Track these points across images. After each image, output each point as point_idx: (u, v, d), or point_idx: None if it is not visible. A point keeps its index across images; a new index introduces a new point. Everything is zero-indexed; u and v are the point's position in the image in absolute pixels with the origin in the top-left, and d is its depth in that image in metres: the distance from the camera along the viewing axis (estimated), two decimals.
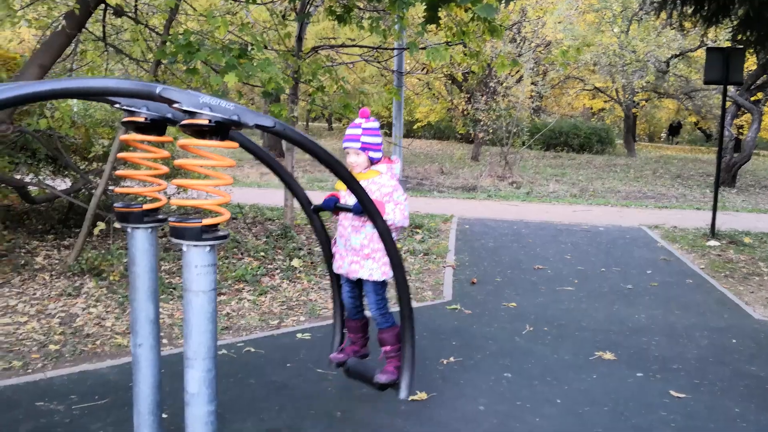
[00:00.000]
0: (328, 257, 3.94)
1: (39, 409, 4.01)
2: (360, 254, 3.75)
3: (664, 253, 9.18)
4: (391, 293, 4.06)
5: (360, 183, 3.32)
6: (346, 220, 3.83)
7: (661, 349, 5.36)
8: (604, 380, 4.68)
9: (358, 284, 3.95)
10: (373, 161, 3.78)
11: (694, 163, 26.26)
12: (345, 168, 3.13)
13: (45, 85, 2.20)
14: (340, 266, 3.88)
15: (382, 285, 3.83)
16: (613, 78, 25.92)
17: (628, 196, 16.09)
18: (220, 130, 2.45)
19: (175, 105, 2.35)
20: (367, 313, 4.14)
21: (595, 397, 4.38)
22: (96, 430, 3.75)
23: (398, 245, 4.03)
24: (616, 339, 5.58)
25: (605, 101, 32.34)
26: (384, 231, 3.26)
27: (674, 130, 43.37)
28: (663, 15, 15.90)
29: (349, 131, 3.80)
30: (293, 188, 3.69)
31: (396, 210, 3.65)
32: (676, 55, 24.40)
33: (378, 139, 3.78)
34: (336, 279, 4.01)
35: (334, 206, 3.70)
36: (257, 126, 2.55)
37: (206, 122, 2.39)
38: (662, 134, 45.09)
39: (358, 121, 3.81)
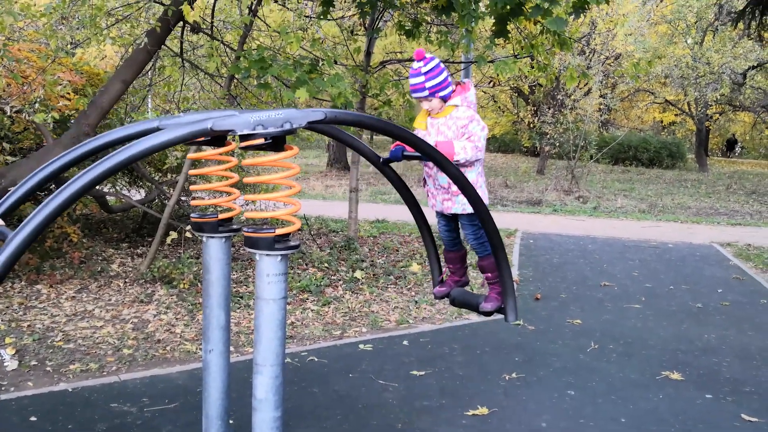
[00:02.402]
0: (410, 201, 3.89)
1: (113, 410, 4.19)
2: (450, 191, 3.74)
3: (737, 272, 8.88)
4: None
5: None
6: None
7: (732, 371, 5.20)
8: (671, 400, 4.57)
9: (453, 218, 3.95)
10: (446, 99, 3.72)
11: None
12: (400, 128, 3.14)
13: (109, 161, 2.31)
14: (433, 204, 3.90)
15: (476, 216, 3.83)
16: (685, 91, 25.22)
17: (699, 213, 15.61)
18: (278, 140, 2.53)
19: (230, 134, 2.46)
20: (464, 244, 4.13)
21: (661, 417, 4.29)
22: None
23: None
24: (684, 359, 5.44)
25: (676, 114, 31.50)
26: (456, 175, 3.23)
27: (730, 145, 42.08)
28: (740, 25, 15.43)
29: (412, 81, 3.71)
30: (362, 150, 3.71)
31: (467, 146, 3.60)
32: (754, 67, 23.59)
33: (442, 77, 3.68)
34: (421, 218, 3.97)
35: (402, 155, 3.68)
36: (309, 125, 2.60)
37: (263, 141, 2.48)
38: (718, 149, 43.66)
39: (416, 65, 3.68)
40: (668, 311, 6.89)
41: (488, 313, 3.80)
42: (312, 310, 6.54)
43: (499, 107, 26.37)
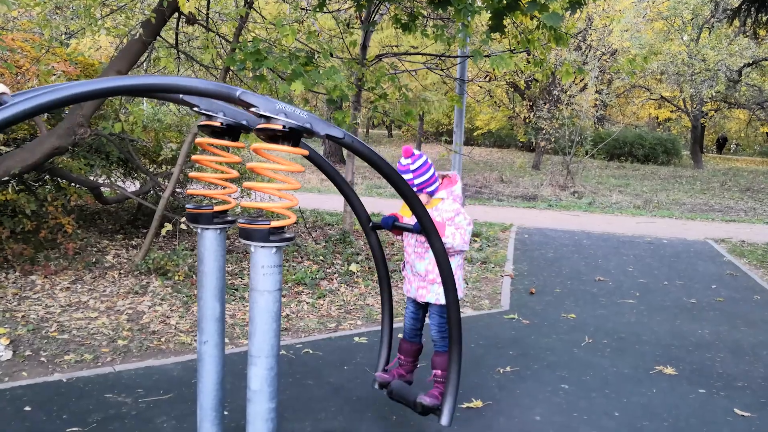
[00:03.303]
0: (383, 277, 3.94)
1: (108, 400, 4.18)
2: (426, 279, 3.81)
3: (731, 268, 8.91)
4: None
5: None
6: (409, 246, 3.88)
7: (725, 366, 5.22)
8: (665, 395, 4.59)
9: (423, 308, 3.99)
10: (432, 193, 3.81)
11: (766, 175, 25.32)
12: (408, 185, 3.12)
13: (135, 80, 2.29)
14: (408, 290, 3.96)
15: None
16: (680, 87, 25.26)
17: (694, 209, 15.66)
18: (293, 136, 2.53)
19: (253, 109, 2.44)
20: (424, 339, 4.14)
21: (654, 411, 4.31)
22: (161, 423, 3.89)
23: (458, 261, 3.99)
24: (678, 354, 5.46)
25: (672, 111, 31.54)
26: (440, 252, 3.24)
27: (720, 144, 42.26)
28: (736, 23, 15.44)
29: None
30: (353, 203, 3.72)
31: (456, 234, 3.65)
32: (749, 64, 23.64)
33: (429, 173, 3.76)
34: (388, 300, 4.00)
35: (392, 224, 3.72)
36: (328, 136, 2.61)
37: (280, 127, 2.47)
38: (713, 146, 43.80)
39: (404, 162, 3.75)
40: (662, 306, 6.92)
41: (425, 408, 3.69)
42: (307, 303, 6.54)
43: (495, 102, 26.35)
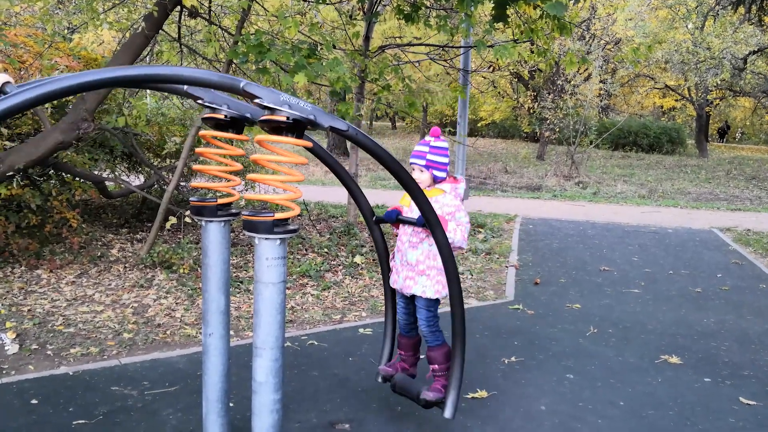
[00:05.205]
0: (386, 271, 3.94)
1: (114, 393, 4.20)
2: (415, 270, 3.75)
3: (737, 257, 8.89)
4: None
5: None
6: (404, 235, 3.83)
7: (731, 355, 5.21)
8: (670, 384, 4.59)
9: (413, 300, 3.96)
10: (436, 180, 3.77)
11: None
12: (411, 177, 3.13)
13: (138, 70, 2.29)
14: (395, 281, 3.89)
15: (434, 302, 3.82)
16: (685, 76, 25.15)
17: (699, 198, 15.62)
18: (297, 128, 2.52)
19: (257, 100, 2.44)
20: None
21: (660, 400, 4.31)
22: (167, 415, 3.91)
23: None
24: (684, 343, 5.46)
25: (676, 100, 31.43)
26: (444, 244, 3.23)
27: (722, 132, 42.10)
28: (741, 10, 15.36)
29: (417, 147, 3.78)
30: (356, 197, 3.71)
31: (458, 230, 3.63)
32: (754, 52, 23.51)
33: (444, 159, 3.75)
34: (391, 294, 4.01)
35: (395, 218, 3.70)
36: (332, 128, 2.60)
37: (284, 119, 2.46)
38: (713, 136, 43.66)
39: (427, 138, 3.79)
40: (667, 296, 6.91)
41: (428, 403, 3.70)
42: (312, 295, 6.55)
43: (499, 92, 26.28)
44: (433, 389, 3.72)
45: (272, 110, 2.46)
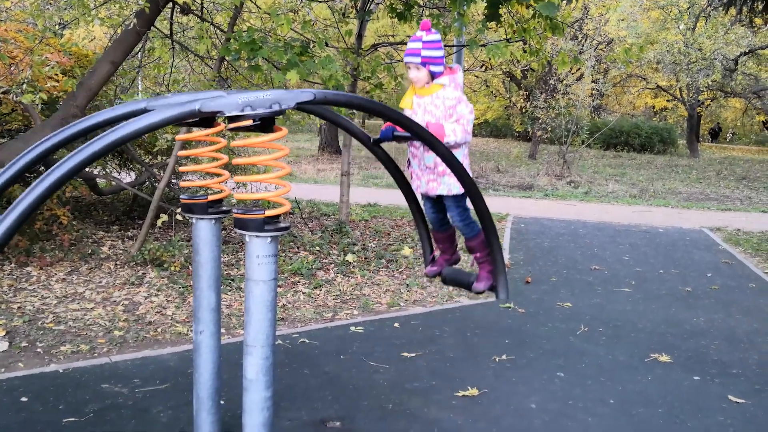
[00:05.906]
0: (399, 179, 3.83)
1: (104, 391, 4.19)
2: (435, 172, 3.69)
3: (726, 256, 8.94)
4: None
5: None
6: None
7: (720, 354, 5.24)
8: (660, 382, 4.61)
9: (439, 200, 3.91)
10: (434, 75, 3.65)
11: (761, 164, 25.38)
12: (392, 110, 3.11)
13: (97, 143, 2.27)
14: (418, 186, 3.84)
15: (462, 197, 3.75)
16: (677, 76, 25.24)
17: (690, 198, 15.69)
18: (267, 123, 2.52)
19: (218, 116, 2.44)
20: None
21: (649, 398, 4.33)
22: (158, 412, 3.90)
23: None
24: (673, 341, 5.48)
25: (668, 100, 31.54)
26: (446, 155, 3.18)
27: (714, 134, 42.32)
28: (732, 11, 15.43)
29: (409, 45, 3.67)
30: (350, 128, 3.68)
31: (456, 129, 3.56)
32: (745, 53, 23.62)
33: (439, 53, 3.65)
34: (412, 198, 3.93)
35: (392, 135, 3.64)
36: (299, 105, 2.57)
37: (251, 122, 2.46)
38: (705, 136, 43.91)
39: (419, 33, 3.65)
40: (658, 295, 6.94)
41: (481, 293, 3.80)
42: (303, 293, 6.55)
43: (491, 92, 26.34)
44: (482, 278, 3.76)
45: (237, 117, 2.45)
